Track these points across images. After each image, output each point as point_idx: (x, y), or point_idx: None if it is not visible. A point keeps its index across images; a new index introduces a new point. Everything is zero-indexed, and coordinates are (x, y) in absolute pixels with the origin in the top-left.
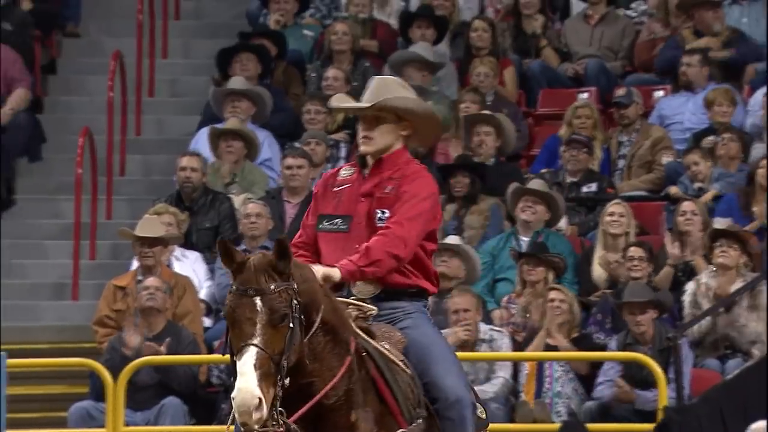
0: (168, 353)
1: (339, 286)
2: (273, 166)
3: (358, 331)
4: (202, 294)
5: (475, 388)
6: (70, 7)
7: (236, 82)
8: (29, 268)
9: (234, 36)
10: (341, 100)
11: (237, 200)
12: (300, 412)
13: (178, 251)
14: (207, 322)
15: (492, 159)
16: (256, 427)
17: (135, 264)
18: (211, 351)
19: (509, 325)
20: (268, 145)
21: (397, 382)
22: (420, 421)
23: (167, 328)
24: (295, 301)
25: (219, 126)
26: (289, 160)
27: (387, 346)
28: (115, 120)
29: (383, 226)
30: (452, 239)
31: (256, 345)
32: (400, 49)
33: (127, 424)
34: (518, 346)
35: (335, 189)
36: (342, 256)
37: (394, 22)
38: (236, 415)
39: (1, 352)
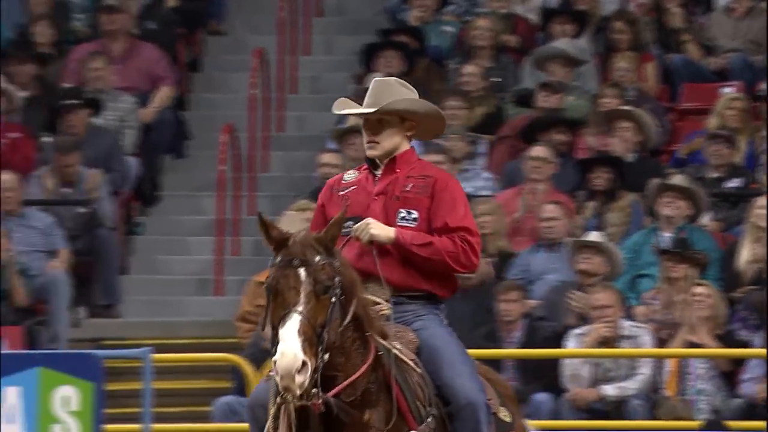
0: None
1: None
2: None
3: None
4: None
5: (617, 384)
6: (215, 4)
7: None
8: (173, 264)
9: (375, 32)
10: (344, 106)
11: None
12: (337, 389)
13: None
14: None
15: (632, 154)
16: (299, 392)
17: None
18: None
19: (651, 321)
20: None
21: (407, 381)
22: (430, 420)
23: None
24: (337, 278)
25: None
26: (429, 157)
27: (399, 346)
28: (258, 117)
29: (453, 234)
30: (594, 236)
31: (299, 312)
32: (540, 44)
33: None
34: (660, 342)
35: (341, 192)
36: (359, 258)
37: (534, 17)
38: (278, 380)
39: (147, 347)
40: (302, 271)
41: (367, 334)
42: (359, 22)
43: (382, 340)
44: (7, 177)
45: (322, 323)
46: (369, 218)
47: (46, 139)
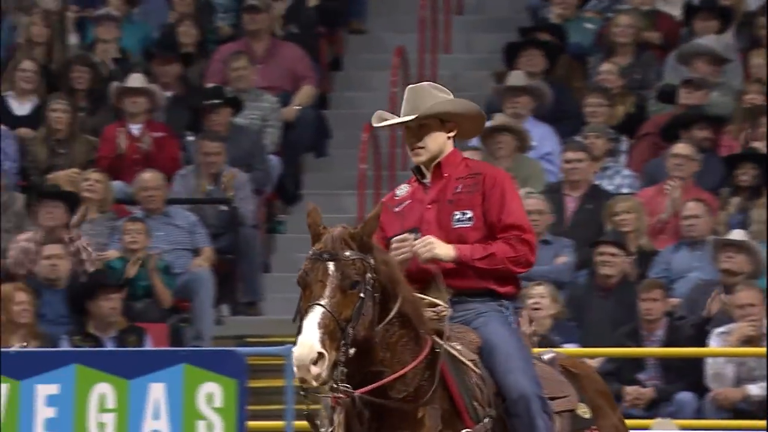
0: None
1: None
2: (553, 160)
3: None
4: None
5: (762, 383)
6: (356, 3)
7: (515, 78)
8: None
9: (515, 30)
10: (383, 118)
11: None
12: (369, 387)
13: None
14: None
15: None
16: (315, 383)
17: None
18: None
19: None
20: (548, 139)
21: (464, 381)
22: (487, 420)
23: None
24: (370, 275)
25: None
26: (569, 154)
27: (458, 347)
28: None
29: (508, 235)
30: (737, 234)
31: (322, 305)
32: (684, 40)
33: None
34: None
35: (396, 209)
36: (415, 262)
37: (677, 13)
38: (294, 371)
39: (289, 345)
40: (330, 265)
41: (421, 332)
42: (499, 20)
43: (438, 339)
44: (151, 176)
45: (347, 318)
46: (430, 237)
47: (190, 138)
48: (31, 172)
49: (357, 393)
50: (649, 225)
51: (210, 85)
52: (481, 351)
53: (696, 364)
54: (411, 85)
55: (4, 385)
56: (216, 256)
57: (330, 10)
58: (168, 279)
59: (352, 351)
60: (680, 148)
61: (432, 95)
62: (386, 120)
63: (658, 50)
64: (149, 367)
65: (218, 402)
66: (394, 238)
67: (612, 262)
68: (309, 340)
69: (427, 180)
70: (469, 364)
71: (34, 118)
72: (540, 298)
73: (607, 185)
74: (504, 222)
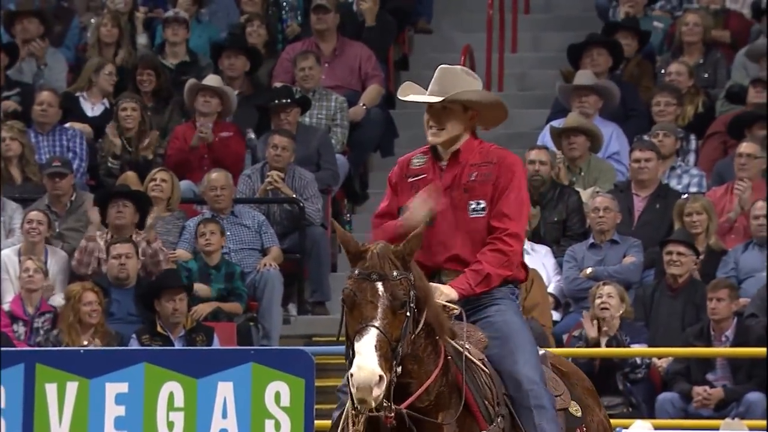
0: None
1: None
2: (621, 159)
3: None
4: (551, 288)
5: None
6: (423, 3)
7: (583, 77)
8: None
9: (583, 29)
10: (409, 91)
11: (585, 194)
12: (409, 401)
13: (528, 245)
14: (555, 315)
15: None
16: (374, 404)
17: None
18: (560, 344)
19: None
20: (616, 138)
21: (476, 382)
22: (500, 419)
23: None
24: (413, 293)
25: (556, 124)
26: (637, 153)
27: (468, 346)
28: None
29: (494, 237)
30: None
31: (376, 327)
32: (753, 39)
33: None
34: None
35: (410, 179)
36: (425, 250)
37: (747, 12)
38: (354, 392)
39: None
40: (380, 286)
41: (437, 338)
42: (567, 19)
43: (452, 341)
44: (219, 175)
45: (397, 338)
46: (434, 286)
47: (258, 137)
48: (101, 172)
49: (404, 409)
50: (717, 224)
51: (278, 84)
52: (488, 347)
53: (765, 364)
54: (443, 66)
55: (74, 384)
56: (283, 255)
57: (397, 10)
58: (240, 284)
59: (399, 369)
60: (745, 147)
61: (463, 80)
62: (412, 94)
63: (727, 49)
64: (218, 366)
65: (286, 401)
66: None
67: (680, 262)
68: (369, 364)
69: (444, 163)
70: (479, 363)
71: (106, 119)
72: (608, 297)
73: (676, 185)
74: (493, 224)
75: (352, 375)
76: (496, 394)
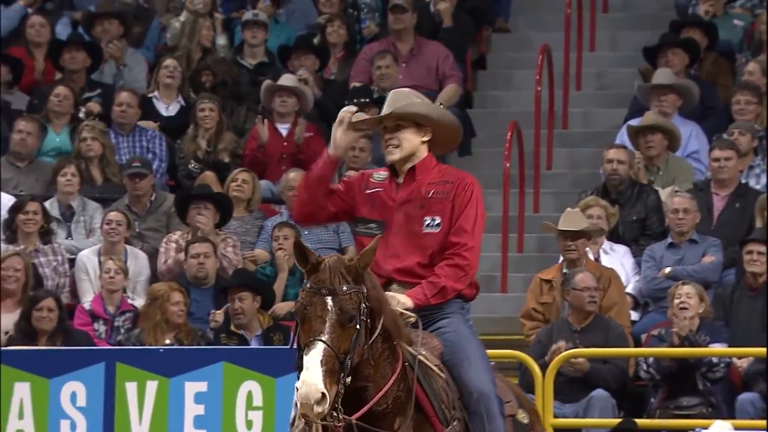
0: (596, 346)
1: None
2: (700, 158)
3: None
4: (630, 288)
5: None
6: (501, 2)
7: (662, 76)
8: None
9: (662, 27)
10: (361, 115)
11: (663, 193)
12: (360, 412)
13: (606, 244)
14: (634, 315)
15: None
16: (317, 420)
17: (561, 257)
18: (638, 344)
19: None
20: (695, 137)
21: (433, 387)
22: (456, 423)
23: (595, 321)
24: (364, 305)
25: (634, 123)
26: (717, 152)
27: (424, 352)
28: (543, 114)
29: (452, 252)
30: None
31: (323, 341)
32: None
33: (556, 416)
34: None
35: (368, 192)
36: (377, 261)
37: None
38: (298, 406)
39: None
40: (329, 300)
41: (395, 343)
42: (645, 18)
43: (408, 348)
44: (297, 175)
45: (345, 351)
46: (390, 295)
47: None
48: (180, 172)
49: (354, 420)
50: None
51: (356, 84)
52: (443, 354)
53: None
54: (395, 90)
55: (153, 383)
56: None
57: (475, 9)
58: None
59: (348, 380)
60: None
61: (413, 101)
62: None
63: None
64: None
65: None
66: None
67: (761, 261)
68: (313, 379)
69: (400, 180)
70: (436, 369)
71: (181, 118)
72: (687, 297)
73: (754, 184)
74: (451, 239)
75: (296, 389)
76: (452, 398)
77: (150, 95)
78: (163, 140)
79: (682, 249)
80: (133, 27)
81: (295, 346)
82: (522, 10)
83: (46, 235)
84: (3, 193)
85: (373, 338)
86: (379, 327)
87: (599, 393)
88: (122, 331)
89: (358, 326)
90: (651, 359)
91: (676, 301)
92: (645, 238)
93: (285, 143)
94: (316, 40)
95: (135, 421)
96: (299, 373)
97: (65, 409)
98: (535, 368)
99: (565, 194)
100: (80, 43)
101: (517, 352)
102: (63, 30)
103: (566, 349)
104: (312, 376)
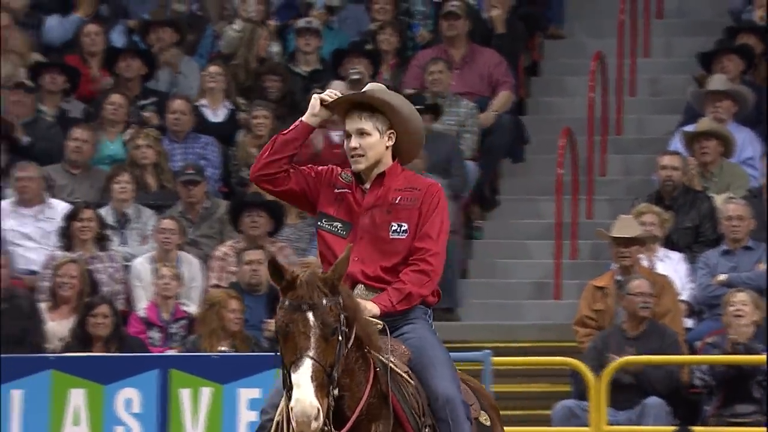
0: (650, 353)
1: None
2: (755, 164)
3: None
4: (684, 295)
5: None
6: (553, 8)
7: (717, 82)
8: (512, 268)
9: (716, 33)
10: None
11: (718, 199)
12: (348, 424)
13: (661, 251)
14: (688, 322)
15: None
16: None
17: (614, 264)
18: (692, 351)
19: None
20: (749, 143)
21: (404, 394)
22: (427, 429)
23: (649, 328)
24: (342, 315)
25: (689, 129)
26: None
27: (392, 359)
28: (596, 120)
29: (417, 258)
30: None
31: (311, 357)
32: None
33: (610, 423)
34: None
35: (336, 190)
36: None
37: None
38: (294, 425)
39: (487, 351)
40: (311, 315)
41: (365, 350)
42: (700, 23)
43: (378, 355)
44: None
45: (331, 363)
46: (359, 300)
47: None
48: (234, 179)
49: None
50: None
51: (408, 90)
52: (411, 362)
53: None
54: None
55: (207, 389)
56: None
57: (528, 16)
58: None
59: (336, 392)
60: None
61: (386, 92)
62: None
63: None
64: None
65: None
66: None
67: None
68: (307, 396)
69: (367, 186)
70: (405, 376)
71: (229, 125)
72: (741, 305)
73: None
74: (416, 245)
75: (291, 408)
76: (422, 405)
77: (197, 103)
78: (216, 147)
79: (737, 256)
80: (187, 35)
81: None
82: (576, 17)
83: (101, 242)
84: (58, 201)
85: (348, 347)
86: (353, 337)
87: (653, 400)
88: (176, 338)
89: (340, 338)
90: (705, 366)
91: (731, 308)
92: (698, 245)
93: (339, 151)
94: (368, 47)
95: (189, 427)
96: (288, 391)
97: (120, 415)
98: (589, 375)
99: (618, 201)
100: (135, 51)
101: (570, 359)
102: (117, 38)
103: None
104: (305, 393)
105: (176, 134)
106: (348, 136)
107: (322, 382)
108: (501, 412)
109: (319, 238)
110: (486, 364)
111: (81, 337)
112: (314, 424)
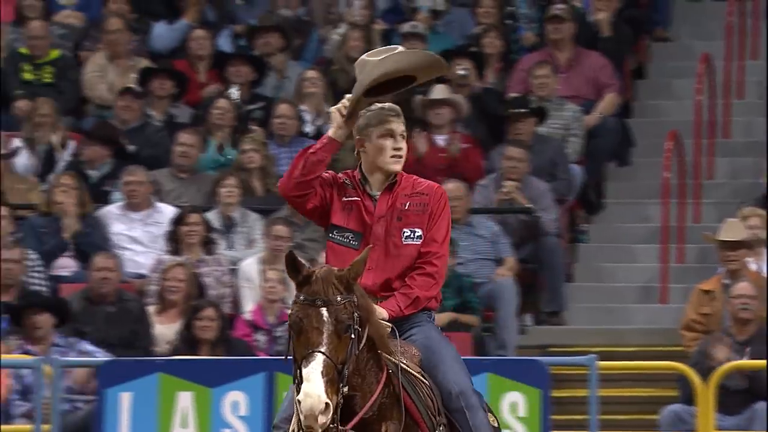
0: (758, 357)
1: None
2: None
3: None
4: None
5: None
6: (660, 11)
7: None
8: (618, 272)
9: None
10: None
11: None
12: (354, 420)
13: None
14: None
15: None
16: (320, 430)
17: (721, 268)
18: None
19: None
20: None
21: (418, 393)
22: (441, 428)
23: (758, 332)
24: (356, 314)
25: None
26: None
27: (404, 361)
28: (703, 123)
29: (423, 261)
30: None
31: (323, 353)
32: None
33: (719, 429)
34: None
35: (344, 199)
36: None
37: None
38: (302, 419)
39: (593, 355)
40: (324, 311)
41: (378, 352)
42: None
43: (389, 357)
44: (454, 186)
45: (343, 360)
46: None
47: (494, 148)
48: None
49: (349, 429)
50: None
51: (514, 94)
52: (422, 362)
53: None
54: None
55: None
56: (519, 265)
57: (634, 18)
58: (471, 296)
59: (346, 389)
60: None
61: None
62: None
63: None
64: None
65: (522, 411)
66: None
67: None
68: (316, 390)
69: (376, 193)
70: (418, 375)
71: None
72: None
73: None
74: (422, 249)
75: (299, 402)
76: (436, 404)
77: (298, 107)
78: None
79: None
80: (293, 39)
81: (290, 358)
82: (682, 19)
83: (208, 246)
84: (166, 205)
85: (360, 347)
86: (365, 336)
87: (762, 405)
88: (282, 341)
89: (352, 336)
90: None
91: None
92: None
93: (442, 154)
94: (472, 50)
95: None
96: (298, 386)
97: (227, 418)
98: (696, 380)
99: (725, 204)
100: (245, 56)
101: (677, 364)
102: (224, 43)
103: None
104: (314, 387)
105: (282, 138)
106: (389, 136)
107: (333, 378)
108: (608, 417)
109: (329, 251)
110: (592, 369)
111: (188, 341)
112: (321, 419)
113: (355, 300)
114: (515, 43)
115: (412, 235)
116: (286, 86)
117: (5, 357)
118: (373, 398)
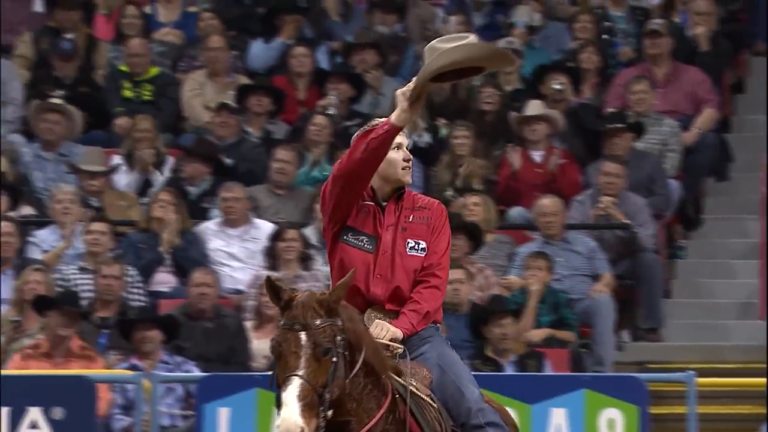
0: None
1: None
2: None
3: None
4: None
5: None
6: (759, 25)
7: None
8: (716, 288)
9: None
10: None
11: None
12: None
13: None
14: None
15: None
16: None
17: None
18: None
19: None
20: None
21: (426, 418)
22: None
23: None
24: (339, 337)
25: None
26: None
27: (414, 383)
28: None
29: (427, 273)
30: None
31: (300, 376)
32: None
33: None
34: None
35: (361, 202)
36: (362, 274)
37: None
38: None
39: (691, 371)
40: (303, 335)
41: (382, 376)
42: None
43: (397, 378)
44: (550, 201)
45: (323, 384)
46: (380, 322)
47: (591, 163)
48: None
49: None
50: None
51: (611, 109)
52: (432, 383)
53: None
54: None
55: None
56: (616, 281)
57: (732, 33)
58: (567, 312)
59: (329, 413)
60: None
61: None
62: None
63: None
64: (550, 392)
65: (620, 428)
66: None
67: None
68: (291, 415)
69: (384, 202)
70: (427, 399)
71: (435, 146)
72: None
73: None
74: (425, 261)
75: (277, 427)
76: (446, 428)
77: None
78: (418, 168)
79: None
80: (390, 56)
81: (274, 384)
82: None
83: (305, 262)
84: (263, 221)
85: (354, 372)
86: (360, 361)
87: None
88: None
89: (334, 359)
90: None
91: None
92: None
93: (538, 170)
94: (569, 65)
95: None
96: (278, 410)
97: None
98: None
99: None
100: (344, 73)
101: None
102: (322, 60)
103: None
104: (290, 412)
105: None
106: (398, 148)
107: (311, 402)
108: None
109: (342, 252)
110: (690, 386)
111: None
112: None
113: (340, 323)
114: (612, 58)
115: (416, 247)
116: (381, 103)
117: (106, 372)
118: (372, 423)
